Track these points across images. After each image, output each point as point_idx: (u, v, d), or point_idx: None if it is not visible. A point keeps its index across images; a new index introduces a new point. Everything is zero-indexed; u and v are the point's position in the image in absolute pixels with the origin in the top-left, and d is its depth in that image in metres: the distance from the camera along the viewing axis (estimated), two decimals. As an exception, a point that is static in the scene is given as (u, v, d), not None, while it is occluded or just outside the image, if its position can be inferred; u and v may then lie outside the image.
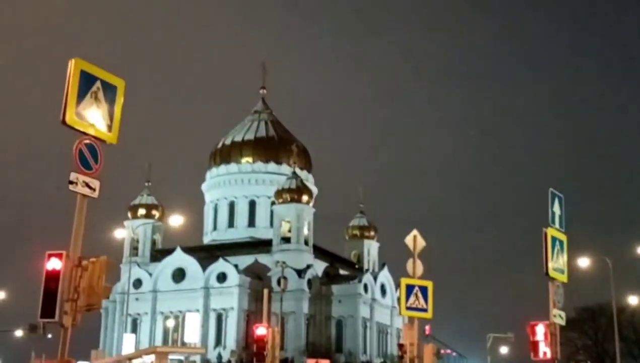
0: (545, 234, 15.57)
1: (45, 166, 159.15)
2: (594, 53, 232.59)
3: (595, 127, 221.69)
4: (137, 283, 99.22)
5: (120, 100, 11.84)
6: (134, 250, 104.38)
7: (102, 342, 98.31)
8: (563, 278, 15.67)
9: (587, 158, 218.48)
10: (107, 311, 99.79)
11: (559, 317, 15.37)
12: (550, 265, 15.42)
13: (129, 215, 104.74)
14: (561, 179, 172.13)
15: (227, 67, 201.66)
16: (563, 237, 15.92)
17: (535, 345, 15.64)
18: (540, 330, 15.62)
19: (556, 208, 15.97)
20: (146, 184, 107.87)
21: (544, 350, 15.51)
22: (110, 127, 11.58)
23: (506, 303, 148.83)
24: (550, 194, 15.95)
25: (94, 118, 11.30)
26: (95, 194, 10.83)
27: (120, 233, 72.25)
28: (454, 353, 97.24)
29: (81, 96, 11.22)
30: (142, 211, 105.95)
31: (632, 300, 48.42)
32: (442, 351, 74.65)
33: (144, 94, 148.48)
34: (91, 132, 11.24)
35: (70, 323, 10.16)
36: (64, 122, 10.99)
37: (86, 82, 11.39)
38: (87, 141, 11.16)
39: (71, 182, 10.63)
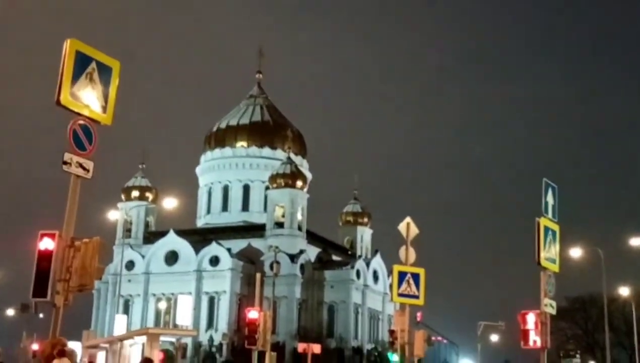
0: (538, 224, 15.61)
1: (40, 146, 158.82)
2: (591, 44, 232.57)
3: (590, 118, 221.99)
4: (130, 265, 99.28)
5: (115, 81, 11.79)
6: (127, 232, 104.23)
7: (94, 323, 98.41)
8: (555, 268, 15.72)
9: (581, 150, 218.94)
10: (99, 292, 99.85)
11: (549, 306, 15.42)
12: (542, 254, 15.46)
13: (123, 197, 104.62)
14: (555, 170, 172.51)
15: (224, 51, 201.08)
16: (556, 227, 15.97)
17: (525, 333, 15.71)
18: (531, 318, 15.68)
19: (549, 198, 16.00)
20: (140, 166, 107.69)
21: (534, 338, 15.58)
22: (104, 108, 11.55)
23: (498, 292, 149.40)
24: (544, 184, 15.98)
25: (88, 99, 11.26)
26: (89, 175, 10.80)
27: (113, 215, 72.20)
28: (445, 340, 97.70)
29: (76, 77, 11.18)
30: (135, 193, 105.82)
31: (623, 291, 48.65)
32: (433, 338, 74.97)
33: (140, 76, 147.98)
34: (85, 113, 11.20)
35: (62, 303, 10.17)
36: (58, 102, 10.96)
37: (81, 62, 11.34)
38: (82, 122, 11.12)
39: (65, 163, 10.61)
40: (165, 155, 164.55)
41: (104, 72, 11.57)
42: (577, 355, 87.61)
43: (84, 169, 10.69)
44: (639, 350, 51.59)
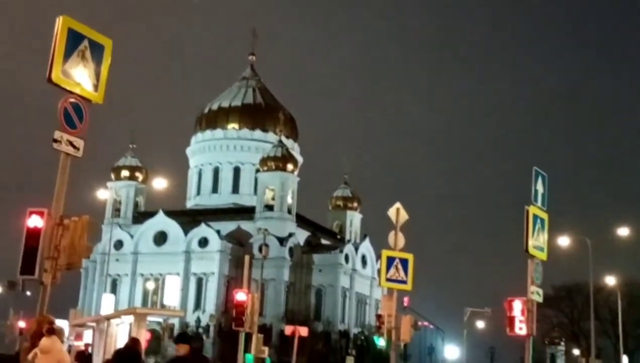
0: (527, 212, 15.67)
1: (29, 124, 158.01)
2: (589, 40, 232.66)
3: (581, 108, 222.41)
4: (118, 244, 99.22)
5: (107, 60, 11.72)
6: (116, 211, 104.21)
7: (81, 302, 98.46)
8: (542, 256, 15.80)
9: (571, 139, 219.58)
10: (87, 271, 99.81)
11: (536, 293, 15.52)
12: (530, 242, 15.54)
13: (112, 176, 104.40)
14: (545, 159, 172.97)
15: (217, 32, 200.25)
16: (544, 216, 16.04)
17: (511, 320, 15.79)
18: (517, 306, 15.76)
19: (539, 187, 16.06)
20: (130, 146, 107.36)
21: (520, 325, 15.66)
22: (96, 87, 11.49)
23: (485, 279, 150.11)
24: (534, 172, 16.03)
25: (80, 77, 11.20)
26: (79, 153, 10.77)
27: (102, 194, 72.03)
28: (431, 326, 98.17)
29: (68, 54, 11.11)
30: (125, 173, 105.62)
31: (609, 280, 48.97)
32: (420, 323, 75.40)
33: (132, 55, 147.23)
34: (77, 90, 11.15)
35: (49, 281, 10.16)
36: (50, 80, 10.90)
37: (73, 40, 11.26)
38: (73, 100, 11.07)
39: (55, 141, 10.57)
40: (156, 136, 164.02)
41: (96, 50, 11.50)
42: (562, 343, 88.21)
43: (74, 147, 10.65)
44: (623, 339, 52.03)
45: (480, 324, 63.10)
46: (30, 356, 8.20)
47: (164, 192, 65.48)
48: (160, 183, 56.63)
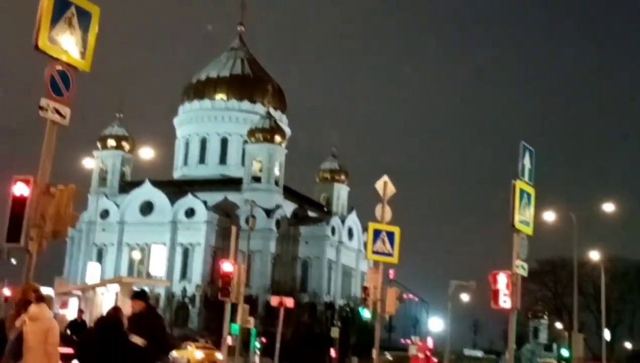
0: (514, 186, 15.72)
1: (16, 91, 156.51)
2: (568, 11, 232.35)
3: (568, 83, 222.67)
4: (104, 213, 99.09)
5: (94, 27, 11.60)
6: (102, 181, 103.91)
7: (67, 271, 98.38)
8: (528, 230, 15.89)
9: (557, 115, 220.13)
10: (72, 240, 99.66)
11: (521, 267, 15.62)
12: (516, 217, 15.61)
13: (99, 145, 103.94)
14: (532, 134, 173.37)
15: (206, 1, 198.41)
16: (531, 190, 16.10)
17: (496, 293, 15.88)
18: (502, 279, 15.85)
19: (526, 162, 16.10)
20: (117, 115, 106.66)
21: (504, 299, 15.76)
22: (83, 54, 11.38)
23: (470, 252, 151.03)
24: (522, 147, 16.06)
25: (67, 44, 11.09)
26: (66, 121, 10.69)
27: (89, 163, 71.72)
28: (416, 298, 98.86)
29: (55, 21, 10.98)
30: (112, 142, 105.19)
31: (594, 255, 49.36)
32: (405, 296, 75.87)
33: (119, 23, 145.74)
34: (64, 58, 11.04)
35: (35, 249, 10.13)
36: (36, 46, 10.78)
37: (60, 6, 11.13)
38: (59, 67, 10.97)
39: (41, 108, 10.48)
40: (144, 105, 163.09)
41: (84, 17, 11.37)
42: (545, 317, 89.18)
43: (61, 115, 10.57)
44: (605, 314, 52.58)
45: (464, 297, 63.43)
46: (18, 323, 8.20)
47: (150, 162, 65.23)
48: (147, 153, 56.36)
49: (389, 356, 30.64)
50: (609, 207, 38.78)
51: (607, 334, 56.96)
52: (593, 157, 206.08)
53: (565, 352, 42.86)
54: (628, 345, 77.97)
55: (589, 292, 64.31)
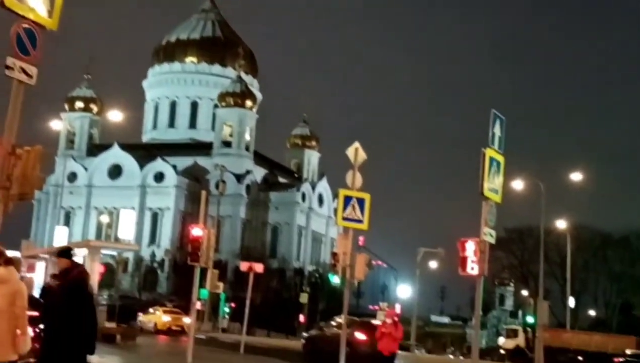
0: (484, 154, 15.73)
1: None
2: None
3: (538, 52, 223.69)
4: (72, 176, 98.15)
5: (62, -15, 11.33)
6: (70, 143, 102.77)
7: (33, 234, 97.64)
8: (497, 198, 15.94)
9: (529, 83, 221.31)
10: (39, 203, 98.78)
11: (489, 235, 15.68)
12: (485, 185, 15.63)
13: (66, 107, 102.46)
14: (504, 102, 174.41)
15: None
16: (501, 159, 16.13)
17: (463, 260, 15.94)
18: (470, 246, 15.90)
19: (497, 130, 16.10)
20: (85, 77, 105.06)
21: (472, 266, 15.84)
22: (50, 13, 11.12)
23: (439, 220, 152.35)
24: (492, 115, 16.06)
25: (34, 2, 10.83)
26: (33, 81, 10.46)
27: (56, 125, 70.81)
28: (385, 265, 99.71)
29: (21, -22, 10.71)
30: (79, 104, 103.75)
31: (560, 224, 49.99)
32: (374, 262, 76.41)
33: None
34: (30, 16, 10.78)
35: (1, 211, 9.97)
36: (2, 4, 10.52)
37: (27, -37, 10.86)
38: (26, 25, 10.71)
39: (7, 67, 10.25)
40: (112, 67, 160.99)
41: (51, -25, 11.10)
42: (511, 284, 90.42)
43: (27, 74, 10.34)
44: (570, 282, 53.44)
45: (432, 264, 64.16)
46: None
47: (119, 125, 64.60)
48: (115, 115, 55.75)
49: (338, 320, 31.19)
50: (576, 177, 39.21)
51: (571, 302, 58.01)
52: (562, 126, 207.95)
53: (530, 319, 43.59)
54: (592, 312, 79.43)
55: (554, 260, 65.25)
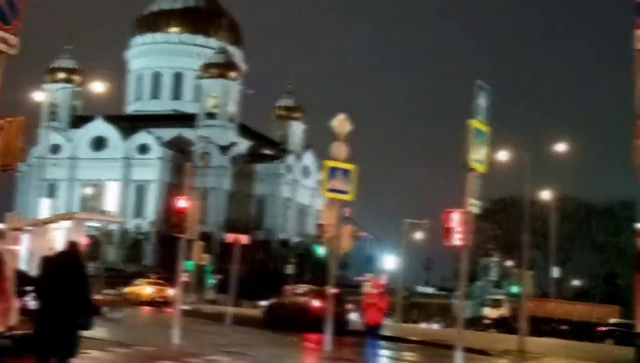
0: (469, 125, 15.72)
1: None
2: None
3: (525, 22, 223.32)
4: (55, 148, 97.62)
5: (42, -47, 11.15)
6: (52, 115, 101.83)
7: (18, 206, 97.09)
8: (482, 169, 15.97)
9: (512, 56, 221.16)
10: (23, 175, 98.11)
11: (474, 206, 15.73)
12: (470, 156, 15.64)
13: (48, 78, 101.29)
14: (490, 73, 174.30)
15: None
16: (486, 129, 16.14)
17: (448, 231, 16.00)
18: (455, 217, 15.96)
19: (481, 101, 16.09)
20: (66, 47, 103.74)
21: (457, 236, 15.90)
22: (31, -18, 10.95)
23: (424, 191, 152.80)
24: (476, 86, 16.04)
25: (13, -29, 10.65)
26: (14, 51, 10.33)
27: (38, 96, 69.95)
28: (370, 237, 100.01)
29: (0, -54, 10.51)
30: (61, 75, 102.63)
31: (544, 194, 50.24)
32: (360, 234, 76.62)
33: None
34: (10, -15, 10.60)
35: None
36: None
37: None
38: (6, -5, 10.54)
39: (-13, 37, 10.10)
40: (94, 37, 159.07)
41: (30, -58, 10.91)
42: (496, 255, 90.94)
43: (9, 44, 10.20)
44: (555, 252, 53.87)
45: (418, 235, 64.31)
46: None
47: (102, 97, 63.93)
48: (98, 86, 55.08)
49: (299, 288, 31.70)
50: (561, 148, 39.30)
51: (555, 272, 58.48)
52: (548, 98, 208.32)
53: (514, 289, 43.97)
54: (576, 282, 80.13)
55: (539, 231, 65.68)
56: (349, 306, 32.54)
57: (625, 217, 70.39)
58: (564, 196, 64.52)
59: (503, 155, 32.07)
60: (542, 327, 44.15)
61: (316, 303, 27.46)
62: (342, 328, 24.56)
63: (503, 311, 51.62)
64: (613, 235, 78.00)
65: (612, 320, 45.32)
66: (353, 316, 33.11)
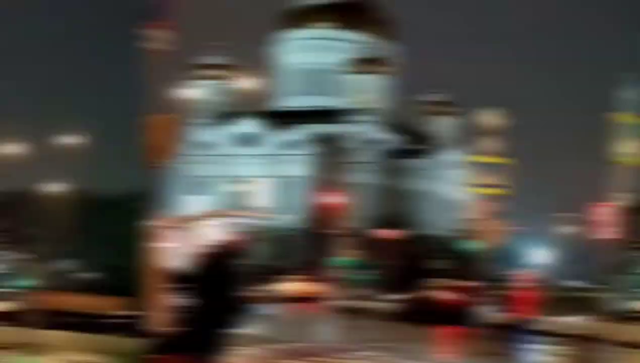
0: (614, 118, 14.74)
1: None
2: None
3: None
4: (204, 145, 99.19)
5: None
6: (201, 111, 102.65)
7: (168, 203, 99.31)
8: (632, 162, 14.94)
9: None
10: (172, 172, 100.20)
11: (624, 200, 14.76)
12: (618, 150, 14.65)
13: (197, 74, 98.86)
14: None
15: None
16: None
17: (598, 224, 15.12)
18: (603, 211, 15.07)
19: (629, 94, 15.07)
20: (215, 44, 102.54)
21: (607, 230, 14.98)
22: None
23: (571, 184, 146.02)
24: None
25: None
26: (168, 48, 10.54)
27: (187, 93, 71.81)
28: (520, 230, 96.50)
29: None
30: (210, 71, 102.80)
31: (55, 187, 53.58)
32: (509, 227, 74.06)
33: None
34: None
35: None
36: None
37: None
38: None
39: (144, 36, 10.35)
40: (240, 32, 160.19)
41: None
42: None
43: (164, 42, 10.36)
44: (65, 244, 52.62)
45: (567, 229, 62.00)
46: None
47: (250, 92, 64.90)
48: (246, 83, 56.36)
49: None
50: (71, 140, 38.78)
51: (65, 264, 59.26)
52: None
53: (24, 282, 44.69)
54: (86, 275, 76.71)
55: (49, 224, 66.00)
56: (496, 300, 31.83)
57: (132, 209, 66.78)
58: (75, 189, 67.43)
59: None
60: (53, 319, 43.23)
61: (461, 297, 26.71)
62: (487, 322, 23.78)
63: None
64: (119, 226, 74.38)
65: (117, 312, 43.48)
66: (499, 311, 32.21)
